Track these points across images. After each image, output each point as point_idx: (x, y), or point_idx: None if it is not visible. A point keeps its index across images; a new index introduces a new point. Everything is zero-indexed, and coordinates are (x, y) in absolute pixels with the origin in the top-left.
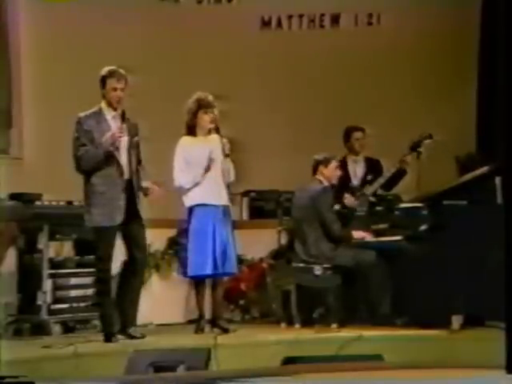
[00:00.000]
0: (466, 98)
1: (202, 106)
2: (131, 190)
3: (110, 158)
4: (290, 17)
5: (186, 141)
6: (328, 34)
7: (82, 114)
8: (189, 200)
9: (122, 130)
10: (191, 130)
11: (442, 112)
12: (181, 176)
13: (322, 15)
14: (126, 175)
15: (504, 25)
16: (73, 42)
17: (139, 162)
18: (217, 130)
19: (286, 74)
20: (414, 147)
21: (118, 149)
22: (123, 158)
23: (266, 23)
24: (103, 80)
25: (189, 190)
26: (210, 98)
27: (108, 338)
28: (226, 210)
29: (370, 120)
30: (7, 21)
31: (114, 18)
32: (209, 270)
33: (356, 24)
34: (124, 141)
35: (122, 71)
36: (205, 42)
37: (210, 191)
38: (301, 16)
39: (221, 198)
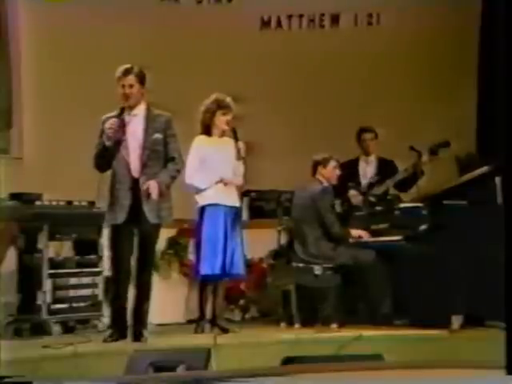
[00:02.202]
0: (466, 97)
1: (220, 106)
2: (139, 189)
3: (114, 155)
4: (289, 17)
5: (201, 140)
6: (328, 34)
7: (105, 116)
8: (202, 199)
9: (113, 124)
10: (207, 130)
11: (441, 112)
12: (195, 175)
13: (322, 15)
14: (135, 173)
15: (504, 25)
16: (73, 42)
17: (171, 159)
18: (234, 133)
19: (285, 74)
20: (433, 152)
21: (120, 144)
22: (132, 155)
23: (265, 23)
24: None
25: (203, 189)
26: (229, 99)
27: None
28: (236, 212)
29: (370, 120)
30: (7, 21)
31: (113, 18)
32: (218, 270)
33: (356, 24)
34: (136, 137)
35: (132, 68)
36: (204, 42)
37: (223, 192)
38: (301, 16)
39: (232, 199)
